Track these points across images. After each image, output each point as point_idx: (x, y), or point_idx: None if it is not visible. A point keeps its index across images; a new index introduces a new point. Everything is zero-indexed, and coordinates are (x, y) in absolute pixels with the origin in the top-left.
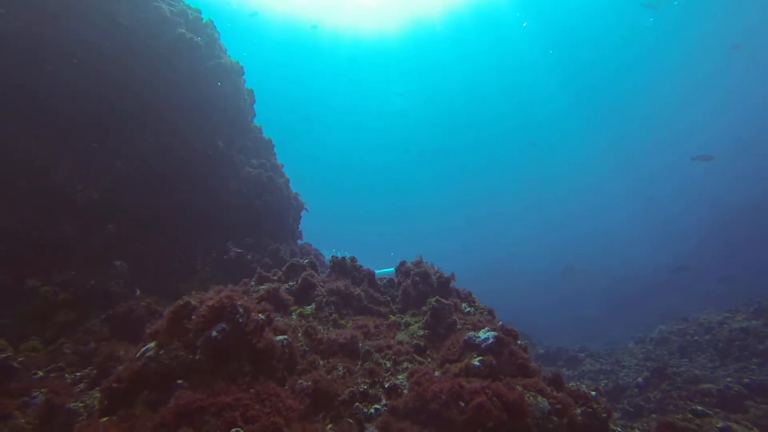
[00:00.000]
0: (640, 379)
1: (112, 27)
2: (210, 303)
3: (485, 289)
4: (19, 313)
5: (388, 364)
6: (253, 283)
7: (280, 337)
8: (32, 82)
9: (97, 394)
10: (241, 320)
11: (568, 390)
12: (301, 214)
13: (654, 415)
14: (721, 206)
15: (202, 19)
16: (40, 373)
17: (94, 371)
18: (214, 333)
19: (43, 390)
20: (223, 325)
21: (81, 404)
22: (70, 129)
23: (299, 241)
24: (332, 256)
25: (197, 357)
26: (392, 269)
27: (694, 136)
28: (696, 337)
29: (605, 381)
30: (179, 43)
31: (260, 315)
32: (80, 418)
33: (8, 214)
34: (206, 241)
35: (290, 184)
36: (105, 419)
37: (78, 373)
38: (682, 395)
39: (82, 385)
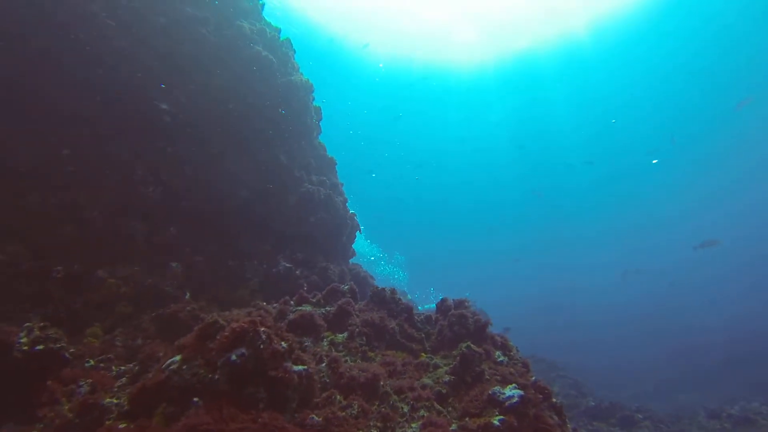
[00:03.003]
0: None
1: (198, 45)
2: (234, 326)
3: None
4: (87, 301)
5: (405, 409)
6: (293, 302)
7: (300, 368)
8: (129, 82)
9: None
10: (262, 346)
11: None
12: (355, 234)
13: None
14: None
15: (280, 38)
16: (92, 362)
17: (137, 367)
18: (234, 357)
19: (88, 380)
20: (243, 350)
21: (116, 401)
22: (149, 130)
23: (351, 260)
24: (373, 287)
25: (216, 377)
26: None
27: None
28: None
29: None
30: (254, 59)
31: (283, 343)
32: (111, 416)
33: (91, 205)
34: (258, 252)
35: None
36: (123, 425)
37: (123, 367)
38: None
39: (124, 380)
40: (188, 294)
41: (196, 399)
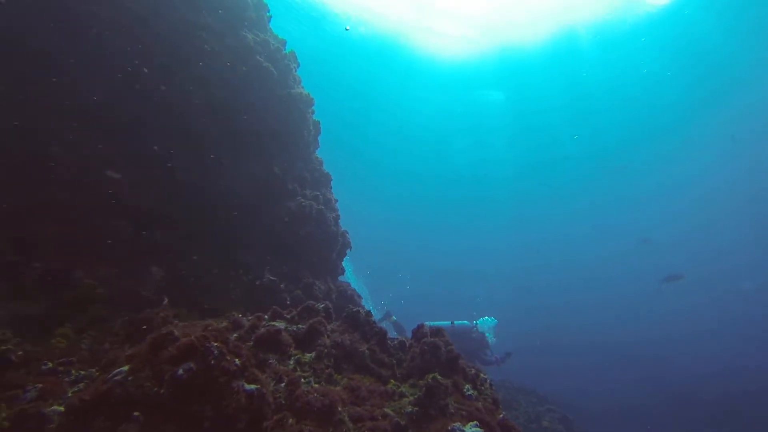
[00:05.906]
0: None
1: (199, 52)
2: (186, 339)
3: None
4: (61, 300)
5: None
6: (266, 317)
7: (252, 387)
8: (124, 83)
9: None
10: (212, 362)
11: None
12: (346, 251)
13: None
14: None
15: (284, 50)
16: (50, 365)
17: (97, 373)
18: (181, 371)
19: (38, 385)
20: (191, 365)
21: (63, 409)
22: (141, 133)
23: (340, 277)
24: (347, 308)
25: (162, 391)
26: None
27: None
28: None
29: None
30: (255, 70)
31: (236, 360)
32: (50, 426)
33: (77, 204)
34: (243, 263)
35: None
36: None
37: (83, 372)
38: None
39: (81, 385)
40: (166, 300)
41: (137, 414)
